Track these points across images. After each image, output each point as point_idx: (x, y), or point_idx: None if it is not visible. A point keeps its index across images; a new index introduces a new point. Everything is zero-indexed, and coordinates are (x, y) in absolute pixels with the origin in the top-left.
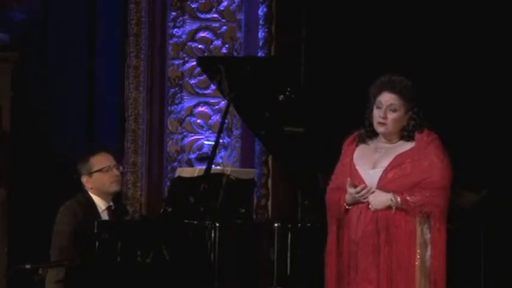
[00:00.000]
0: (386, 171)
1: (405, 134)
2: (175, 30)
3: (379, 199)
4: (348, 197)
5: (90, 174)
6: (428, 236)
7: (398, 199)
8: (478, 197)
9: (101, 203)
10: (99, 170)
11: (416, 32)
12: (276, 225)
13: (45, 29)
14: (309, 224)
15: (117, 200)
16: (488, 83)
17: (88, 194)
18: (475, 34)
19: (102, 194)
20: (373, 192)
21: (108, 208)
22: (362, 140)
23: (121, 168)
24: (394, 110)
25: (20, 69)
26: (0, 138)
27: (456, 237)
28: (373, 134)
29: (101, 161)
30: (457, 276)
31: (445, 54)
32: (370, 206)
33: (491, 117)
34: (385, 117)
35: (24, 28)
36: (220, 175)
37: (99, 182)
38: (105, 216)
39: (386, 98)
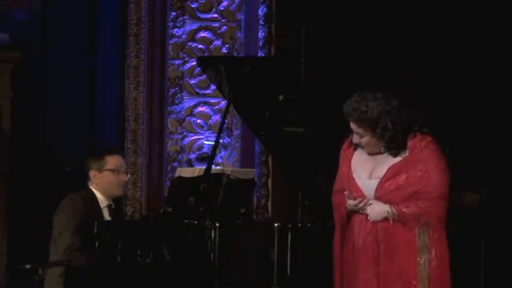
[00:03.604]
0: (381, 183)
1: (389, 149)
2: (175, 30)
3: (376, 211)
4: (348, 206)
5: (100, 170)
6: (428, 245)
7: (395, 211)
8: (478, 197)
9: (102, 199)
10: (112, 170)
11: (416, 32)
12: (276, 225)
13: (45, 29)
14: (309, 224)
15: (117, 201)
16: (488, 83)
17: (91, 189)
18: (475, 34)
19: (105, 193)
20: (370, 204)
21: (109, 206)
22: None
23: (129, 174)
24: (362, 136)
25: (20, 69)
26: (0, 138)
27: (456, 237)
28: None
29: (115, 161)
30: (457, 276)
31: (445, 54)
32: (368, 218)
33: (491, 117)
34: (359, 143)
35: (24, 28)
36: (220, 175)
37: (107, 181)
38: (105, 213)
39: (351, 125)
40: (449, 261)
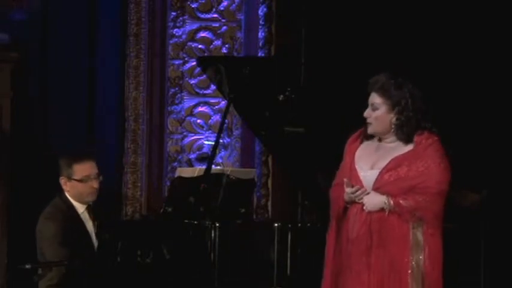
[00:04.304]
0: (382, 173)
1: (399, 132)
2: (175, 30)
3: (373, 201)
4: (345, 196)
5: (69, 179)
6: (421, 240)
7: (392, 202)
8: (478, 197)
9: (79, 205)
10: (79, 180)
11: (416, 32)
12: (276, 225)
13: (45, 29)
14: (309, 224)
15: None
16: (488, 83)
17: (65, 195)
18: (475, 34)
19: (78, 200)
20: (368, 194)
21: (88, 207)
22: (366, 137)
23: (101, 178)
24: (376, 109)
25: (20, 69)
26: (0, 138)
27: (456, 237)
28: None
29: (83, 170)
30: (457, 276)
31: (446, 54)
32: (364, 207)
33: (491, 117)
34: (369, 116)
35: (24, 28)
36: (220, 175)
37: (76, 190)
38: (85, 216)
39: (370, 98)
40: (442, 260)
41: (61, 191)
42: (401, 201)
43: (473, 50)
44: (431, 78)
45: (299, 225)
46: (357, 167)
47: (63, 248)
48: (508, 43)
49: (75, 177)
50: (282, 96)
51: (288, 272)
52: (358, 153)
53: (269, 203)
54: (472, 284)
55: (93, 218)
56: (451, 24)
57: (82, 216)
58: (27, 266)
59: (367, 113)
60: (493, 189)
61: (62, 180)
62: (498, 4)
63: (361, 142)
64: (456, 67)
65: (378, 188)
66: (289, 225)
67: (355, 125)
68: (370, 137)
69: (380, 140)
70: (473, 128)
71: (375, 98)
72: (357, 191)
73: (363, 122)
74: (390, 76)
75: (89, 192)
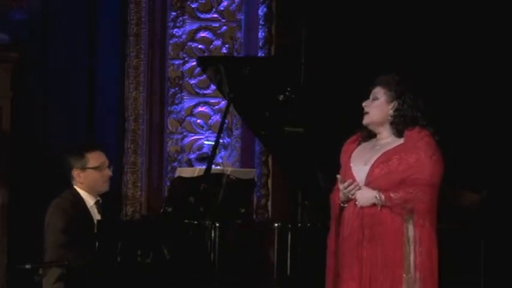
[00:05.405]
0: (373, 168)
1: (393, 126)
2: (175, 30)
3: (365, 196)
4: (340, 194)
5: (83, 169)
6: (414, 234)
7: (383, 197)
8: (478, 197)
9: (89, 198)
10: (94, 168)
11: (416, 32)
12: (276, 225)
13: (45, 29)
14: (309, 224)
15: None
16: (488, 83)
17: (75, 189)
18: (475, 34)
19: (91, 191)
20: (360, 189)
21: (97, 202)
22: (363, 139)
23: (112, 168)
24: (375, 98)
25: (20, 69)
26: (0, 138)
27: (456, 237)
28: (374, 133)
29: (98, 158)
30: (457, 276)
31: (445, 54)
32: (356, 203)
33: (491, 117)
34: (367, 106)
35: (24, 28)
36: (220, 175)
37: (92, 179)
38: (94, 210)
39: (373, 91)
40: (436, 254)
41: (71, 185)
42: (391, 195)
43: (473, 50)
44: (432, 78)
45: (299, 225)
46: (351, 164)
47: (63, 234)
48: (508, 43)
49: (91, 165)
50: (282, 96)
51: (288, 272)
52: (354, 153)
53: (269, 203)
54: (472, 284)
55: (102, 213)
56: (451, 24)
57: (91, 210)
58: (27, 266)
59: (365, 102)
60: (493, 189)
61: (75, 172)
62: (498, 4)
63: (359, 144)
64: (456, 67)
65: (369, 182)
66: (289, 225)
67: (355, 125)
68: (367, 139)
69: (376, 139)
70: (473, 127)
71: (377, 89)
72: (349, 185)
73: (362, 123)
74: (396, 73)
75: (104, 180)
